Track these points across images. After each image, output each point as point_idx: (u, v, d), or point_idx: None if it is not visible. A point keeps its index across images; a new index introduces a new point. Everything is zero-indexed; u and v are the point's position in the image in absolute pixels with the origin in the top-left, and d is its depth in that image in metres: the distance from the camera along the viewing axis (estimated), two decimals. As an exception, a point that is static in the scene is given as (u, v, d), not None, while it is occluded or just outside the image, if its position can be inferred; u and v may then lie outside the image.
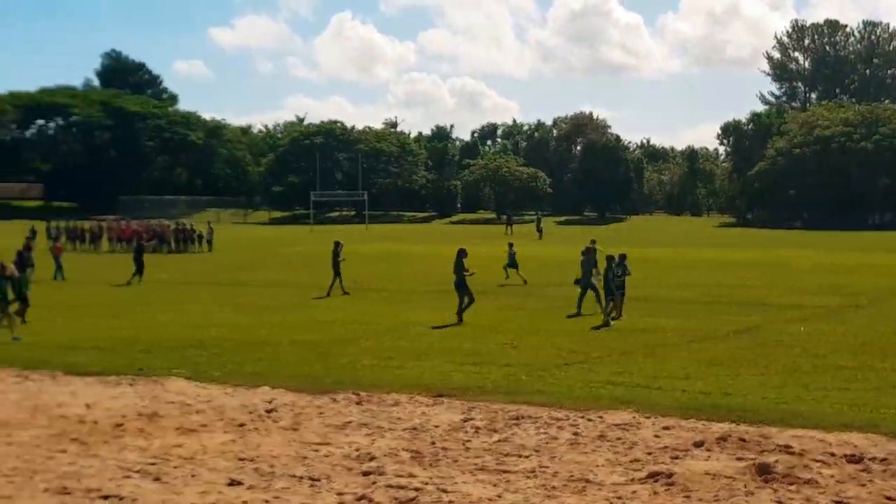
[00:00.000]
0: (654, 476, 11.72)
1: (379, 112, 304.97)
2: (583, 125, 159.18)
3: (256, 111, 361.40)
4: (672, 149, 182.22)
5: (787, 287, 35.81)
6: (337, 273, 34.23)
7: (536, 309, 29.52)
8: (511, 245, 40.75)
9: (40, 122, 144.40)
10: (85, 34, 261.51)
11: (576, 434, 13.81)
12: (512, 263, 39.66)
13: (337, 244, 35.25)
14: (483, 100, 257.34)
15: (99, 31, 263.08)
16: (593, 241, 30.88)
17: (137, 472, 11.98)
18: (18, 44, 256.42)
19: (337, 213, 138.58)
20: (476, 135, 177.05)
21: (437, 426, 14.33)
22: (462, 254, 28.09)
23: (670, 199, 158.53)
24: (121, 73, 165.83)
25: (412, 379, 18.40)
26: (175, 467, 12.19)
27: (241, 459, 12.57)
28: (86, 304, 31.24)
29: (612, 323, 26.02)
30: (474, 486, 11.42)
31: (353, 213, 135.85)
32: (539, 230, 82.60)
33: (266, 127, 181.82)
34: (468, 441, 13.47)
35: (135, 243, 46.01)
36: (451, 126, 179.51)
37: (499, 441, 13.48)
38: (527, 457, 12.65)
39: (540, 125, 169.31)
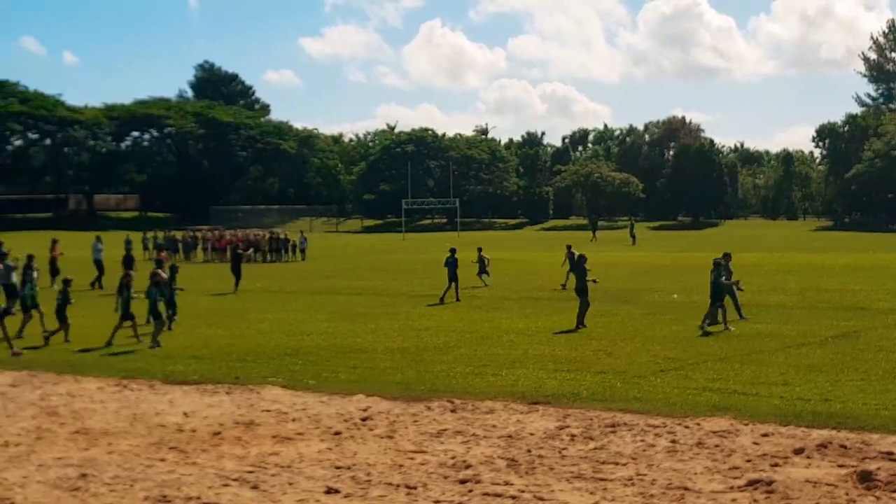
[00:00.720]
0: (753, 484, 11.55)
1: (469, 119, 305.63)
2: (675, 129, 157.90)
3: (347, 120, 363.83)
4: (766, 152, 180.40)
5: (888, 291, 35.12)
6: (453, 279, 34.18)
7: (631, 315, 29.27)
8: (480, 249, 40.97)
9: (135, 133, 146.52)
10: (179, 46, 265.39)
11: (673, 441, 13.65)
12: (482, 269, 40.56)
13: (453, 251, 35.27)
14: (574, 105, 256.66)
15: (192, 44, 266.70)
16: (727, 256, 29.14)
17: (236, 480, 12.08)
18: (114, 57, 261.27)
19: (429, 221, 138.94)
20: (567, 140, 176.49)
21: (532, 434, 14.26)
22: (583, 259, 27.93)
23: (765, 204, 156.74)
24: (214, 84, 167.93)
25: (507, 386, 18.35)
26: (272, 475, 12.26)
27: (338, 467, 12.61)
28: (182, 313, 31.53)
29: (710, 329, 25.68)
30: (571, 493, 11.35)
31: (444, 220, 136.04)
32: (632, 236, 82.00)
33: (357, 135, 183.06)
34: (564, 449, 13.38)
35: (230, 253, 46.49)
36: (542, 132, 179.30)
37: (595, 448, 13.38)
38: (624, 464, 12.53)
39: (632, 130, 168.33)
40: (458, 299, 33.90)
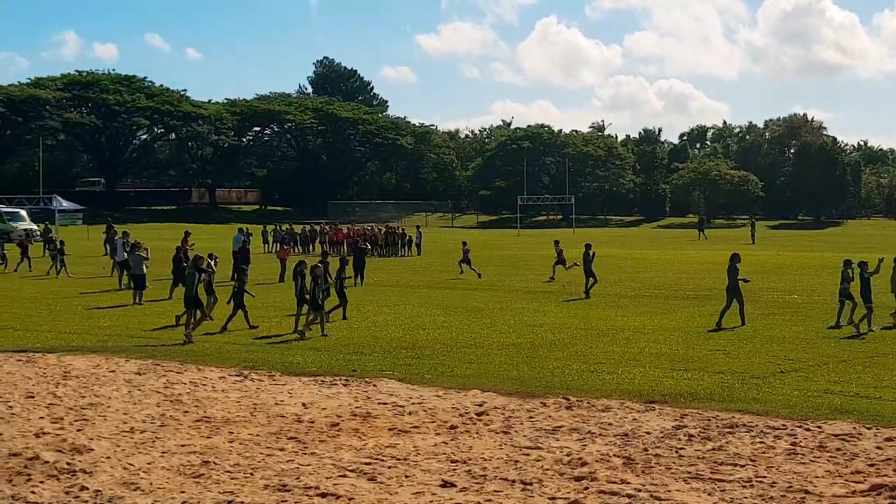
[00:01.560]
0: (876, 489, 11.38)
1: (584, 115, 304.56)
2: (796, 127, 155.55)
3: (463, 116, 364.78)
4: (891, 150, 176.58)
5: None
6: (589, 273, 34.16)
7: (750, 315, 28.78)
8: (464, 243, 41.23)
9: (256, 128, 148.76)
10: (298, 43, 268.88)
11: (793, 444, 13.48)
12: (465, 259, 42.73)
13: (588, 246, 35.27)
14: (691, 102, 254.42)
15: (311, 40, 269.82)
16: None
17: (353, 471, 12.24)
18: (235, 54, 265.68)
19: (544, 217, 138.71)
20: (685, 137, 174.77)
21: (648, 432, 14.20)
22: (736, 259, 27.60)
23: (889, 203, 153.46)
24: (333, 80, 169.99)
25: (623, 384, 18.29)
26: (389, 467, 12.40)
27: (454, 461, 12.70)
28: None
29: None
30: (689, 494, 11.29)
31: (559, 216, 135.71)
32: (752, 235, 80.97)
33: (473, 132, 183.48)
34: (681, 448, 13.29)
35: (352, 248, 46.87)
36: (660, 129, 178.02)
37: (713, 449, 13.27)
38: (742, 466, 12.42)
39: (751, 127, 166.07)
40: (587, 295, 33.85)
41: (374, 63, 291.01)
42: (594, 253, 35.17)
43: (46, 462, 12.52)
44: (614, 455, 12.93)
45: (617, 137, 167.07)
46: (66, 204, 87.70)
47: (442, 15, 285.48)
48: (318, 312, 25.57)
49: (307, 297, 25.86)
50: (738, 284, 26.89)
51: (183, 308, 26.20)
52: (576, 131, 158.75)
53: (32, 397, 16.85)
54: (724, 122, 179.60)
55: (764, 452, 13.09)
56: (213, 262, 28.56)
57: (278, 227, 68.80)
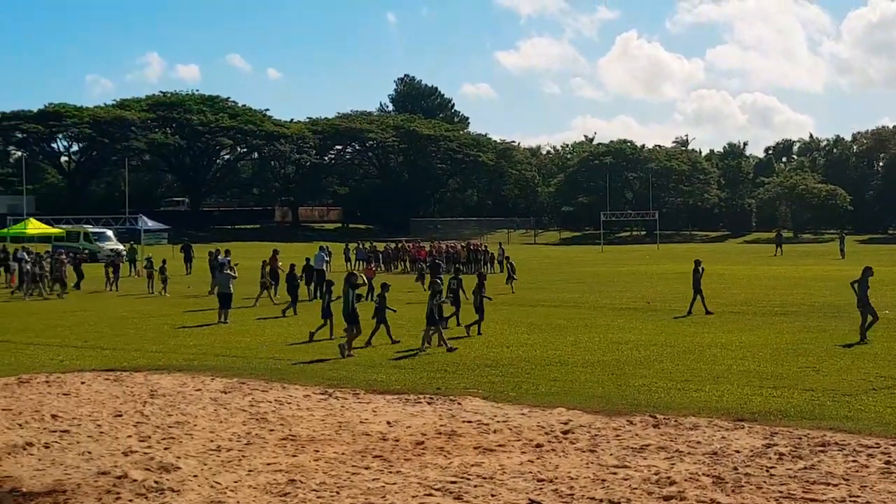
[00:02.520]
0: (974, 509, 11.09)
1: (666, 130, 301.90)
2: (885, 139, 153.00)
3: (544, 132, 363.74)
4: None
5: None
6: (698, 291, 33.68)
7: (840, 331, 28.38)
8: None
9: (338, 147, 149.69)
10: (378, 61, 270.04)
11: (888, 463, 13.18)
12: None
13: (697, 262, 34.74)
14: (775, 115, 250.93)
15: (391, 58, 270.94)
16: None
17: (439, 490, 12.18)
18: (316, 73, 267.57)
19: (627, 233, 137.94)
20: (770, 151, 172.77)
21: (738, 451, 13.97)
22: (868, 272, 27.24)
23: None
24: (414, 97, 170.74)
25: (711, 402, 18.04)
26: (475, 486, 12.32)
27: (540, 480, 12.59)
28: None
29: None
30: (780, 514, 11.10)
31: (643, 232, 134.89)
32: (842, 250, 79.76)
33: (555, 147, 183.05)
34: (772, 467, 13.06)
35: (426, 263, 46.98)
36: (745, 143, 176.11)
37: (804, 468, 13.02)
38: (835, 485, 12.17)
39: (838, 140, 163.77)
40: (707, 311, 33.22)
41: (453, 80, 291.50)
42: (703, 269, 34.61)
43: (135, 480, 12.61)
44: (703, 474, 12.73)
45: (701, 152, 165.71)
46: (151, 223, 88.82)
47: (521, 31, 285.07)
48: (435, 326, 26.02)
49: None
50: (868, 299, 26.47)
51: (318, 322, 28.17)
52: (659, 146, 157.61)
53: (120, 416, 17.02)
54: (811, 136, 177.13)
55: (857, 471, 12.83)
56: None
57: (361, 245, 69.05)
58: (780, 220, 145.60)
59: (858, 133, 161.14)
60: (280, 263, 43.04)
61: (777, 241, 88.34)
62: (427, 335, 26.07)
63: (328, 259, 48.68)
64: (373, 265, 47.34)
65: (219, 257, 43.55)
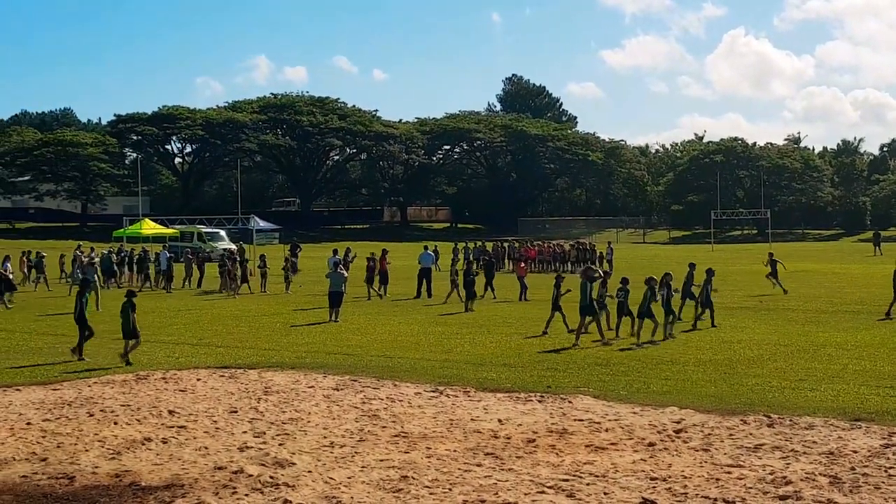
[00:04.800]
0: None
1: (775, 128, 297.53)
2: None
3: (652, 131, 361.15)
4: None
5: None
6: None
7: (957, 330, 27.89)
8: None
9: (446, 147, 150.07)
10: (483, 61, 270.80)
11: None
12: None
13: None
14: (888, 112, 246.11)
15: (496, 58, 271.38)
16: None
17: (551, 487, 12.20)
18: (421, 73, 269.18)
19: (738, 232, 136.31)
20: (885, 149, 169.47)
21: (855, 451, 13.76)
22: None
23: None
24: (522, 97, 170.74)
25: (826, 401, 17.80)
26: (587, 484, 12.31)
27: (653, 479, 12.54)
28: (493, 321, 32.16)
29: None
30: (899, 515, 10.93)
31: (755, 231, 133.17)
32: (876, 245, 78.32)
33: (663, 146, 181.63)
34: (890, 468, 12.85)
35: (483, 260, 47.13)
36: (859, 140, 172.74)
37: (923, 469, 12.81)
38: (955, 486, 11.95)
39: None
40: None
41: (559, 79, 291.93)
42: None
43: (250, 475, 12.83)
44: (820, 474, 12.57)
45: (813, 149, 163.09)
46: (262, 224, 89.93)
47: (626, 29, 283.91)
48: (592, 316, 27.03)
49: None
50: None
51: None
52: (770, 144, 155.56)
53: (235, 412, 17.31)
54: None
55: (979, 472, 12.58)
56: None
57: (475, 245, 68.83)
58: (895, 217, 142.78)
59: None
60: (388, 262, 43.49)
61: (875, 240, 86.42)
62: (583, 326, 26.94)
63: (435, 259, 48.84)
64: (522, 264, 47.26)
65: (331, 259, 43.93)
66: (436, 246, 66.94)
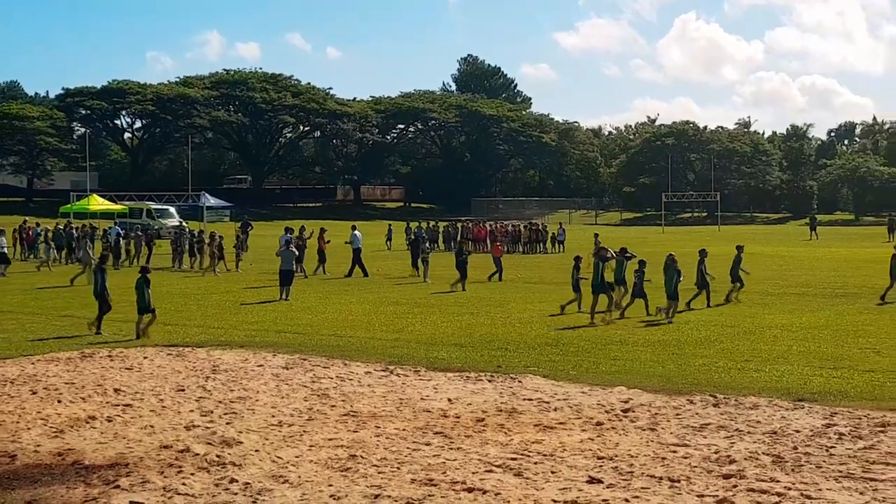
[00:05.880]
0: None
1: (726, 113, 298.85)
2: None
3: (605, 113, 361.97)
4: None
5: None
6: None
7: (902, 313, 28.26)
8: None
9: (400, 126, 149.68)
10: (436, 41, 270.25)
11: (948, 444, 13.14)
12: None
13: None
14: (835, 98, 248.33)
15: (449, 38, 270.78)
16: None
17: (499, 466, 12.27)
18: (376, 52, 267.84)
19: (688, 215, 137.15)
20: (833, 134, 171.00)
21: (798, 431, 13.96)
22: None
23: None
24: (477, 77, 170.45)
25: (771, 382, 18.02)
26: (535, 463, 12.40)
27: (600, 458, 12.65)
28: (445, 301, 32.21)
29: None
30: (840, 493, 11.10)
31: (704, 214, 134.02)
32: (891, 231, 78.76)
33: (616, 128, 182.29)
34: (832, 447, 13.05)
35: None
36: (808, 125, 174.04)
37: (864, 448, 13.00)
38: (895, 465, 12.13)
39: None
40: None
41: (513, 60, 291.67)
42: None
43: (197, 454, 12.82)
44: (763, 453, 12.75)
45: (763, 134, 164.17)
46: (213, 201, 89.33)
47: (579, 12, 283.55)
48: (605, 294, 27.64)
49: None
50: None
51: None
52: (721, 128, 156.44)
53: (183, 391, 17.27)
54: (874, 118, 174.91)
55: (918, 452, 12.79)
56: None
57: (427, 224, 68.72)
58: (841, 202, 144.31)
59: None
60: (327, 241, 43.42)
61: (811, 224, 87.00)
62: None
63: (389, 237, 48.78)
64: (498, 244, 47.10)
65: (282, 237, 43.76)
66: (390, 225, 67.16)
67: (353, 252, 42.62)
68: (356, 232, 43.81)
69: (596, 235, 46.09)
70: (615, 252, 30.03)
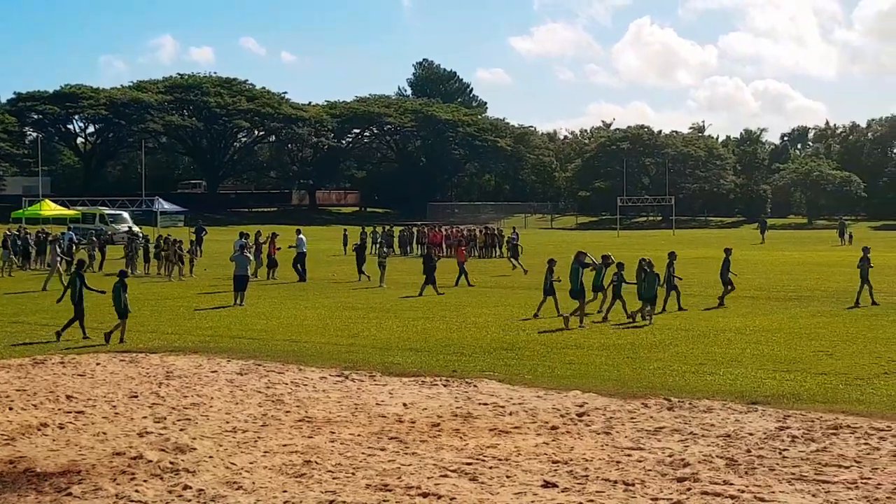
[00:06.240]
0: None
1: (681, 117, 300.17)
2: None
3: (560, 118, 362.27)
4: None
5: None
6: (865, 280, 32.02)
7: (853, 315, 28.51)
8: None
9: (356, 131, 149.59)
10: (393, 45, 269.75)
11: (899, 446, 13.27)
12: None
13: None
14: (788, 102, 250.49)
15: (405, 43, 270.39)
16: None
17: (454, 471, 12.26)
18: (332, 57, 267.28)
19: (644, 219, 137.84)
20: (786, 138, 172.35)
21: (751, 434, 14.06)
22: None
23: None
24: (433, 82, 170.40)
25: (725, 385, 18.13)
26: (490, 468, 12.40)
27: (555, 462, 12.67)
28: (401, 306, 32.19)
29: None
30: (792, 495, 11.19)
31: (659, 218, 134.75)
32: (841, 235, 79.59)
33: (572, 133, 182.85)
34: (785, 450, 13.15)
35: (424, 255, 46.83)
36: (762, 129, 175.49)
37: (817, 450, 13.10)
38: (847, 467, 12.25)
39: (854, 127, 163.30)
40: (873, 302, 31.19)
41: (468, 65, 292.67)
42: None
43: (150, 461, 12.72)
44: (717, 456, 12.82)
45: (717, 138, 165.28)
46: (167, 206, 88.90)
47: (535, 17, 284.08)
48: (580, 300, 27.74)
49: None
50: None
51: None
52: (676, 132, 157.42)
53: (136, 397, 17.14)
54: (826, 123, 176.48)
55: (869, 454, 12.92)
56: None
57: (383, 229, 68.69)
58: (794, 206, 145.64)
59: (873, 120, 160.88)
60: (278, 248, 43.39)
61: (761, 228, 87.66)
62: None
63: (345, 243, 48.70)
64: (462, 248, 46.80)
65: (237, 242, 43.61)
66: (345, 230, 67.08)
67: (296, 255, 42.59)
68: (301, 236, 43.76)
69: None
70: (595, 260, 30.01)
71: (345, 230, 67.94)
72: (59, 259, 41.02)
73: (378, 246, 52.31)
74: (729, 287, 32.19)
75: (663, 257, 32.04)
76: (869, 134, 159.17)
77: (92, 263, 48.18)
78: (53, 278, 38.56)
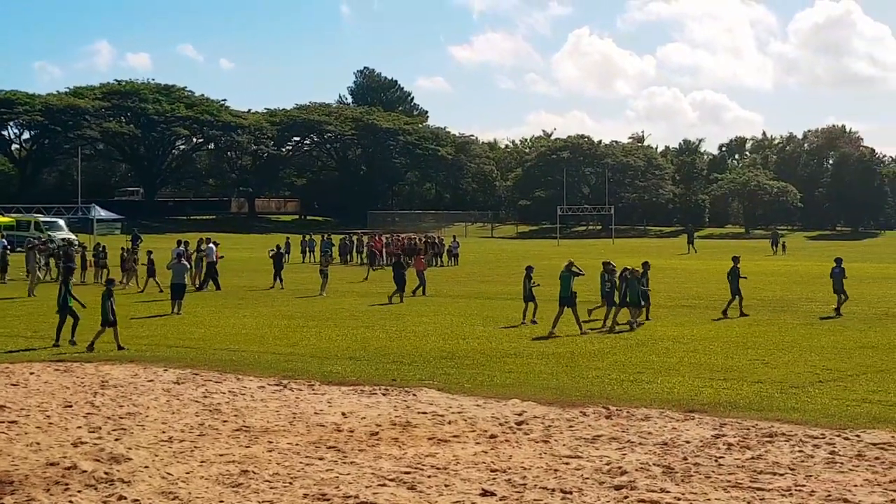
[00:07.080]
0: (917, 498, 11.28)
1: (619, 126, 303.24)
2: (835, 138, 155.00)
3: (501, 126, 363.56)
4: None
5: None
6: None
7: (788, 325, 28.81)
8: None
9: (296, 139, 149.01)
10: (333, 53, 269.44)
11: (832, 453, 13.41)
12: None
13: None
14: (725, 113, 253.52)
15: (344, 51, 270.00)
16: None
17: (392, 480, 12.23)
18: (271, 64, 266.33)
19: (583, 228, 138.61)
20: (724, 148, 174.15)
21: (688, 441, 14.15)
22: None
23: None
24: (374, 90, 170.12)
25: (662, 394, 18.24)
26: (429, 477, 12.38)
27: (494, 470, 12.67)
28: (340, 314, 32.10)
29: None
30: (728, 502, 11.28)
31: (599, 227, 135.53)
32: (774, 245, 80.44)
33: (513, 142, 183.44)
34: (720, 457, 13.25)
35: (393, 262, 46.62)
36: (700, 139, 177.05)
37: (752, 458, 13.21)
38: (782, 475, 12.36)
39: (791, 138, 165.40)
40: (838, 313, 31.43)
41: (409, 73, 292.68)
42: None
43: (84, 471, 12.57)
44: (654, 464, 12.88)
45: (656, 148, 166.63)
46: (104, 213, 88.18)
47: (474, 26, 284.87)
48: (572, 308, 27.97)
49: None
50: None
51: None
52: (616, 142, 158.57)
53: (70, 406, 16.94)
54: (763, 133, 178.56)
55: (803, 461, 13.04)
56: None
57: (321, 237, 68.47)
58: (732, 215, 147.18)
59: (809, 131, 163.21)
60: (220, 255, 43.22)
61: (689, 236, 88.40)
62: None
63: (287, 250, 48.45)
64: (421, 257, 46.43)
65: (175, 250, 43.30)
66: (287, 238, 66.88)
67: (206, 265, 42.32)
68: (211, 244, 43.54)
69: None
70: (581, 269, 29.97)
71: (287, 238, 67.74)
72: (35, 265, 40.77)
73: (323, 255, 52.01)
74: (738, 297, 31.65)
75: (598, 266, 32.07)
76: (805, 145, 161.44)
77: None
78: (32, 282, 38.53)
